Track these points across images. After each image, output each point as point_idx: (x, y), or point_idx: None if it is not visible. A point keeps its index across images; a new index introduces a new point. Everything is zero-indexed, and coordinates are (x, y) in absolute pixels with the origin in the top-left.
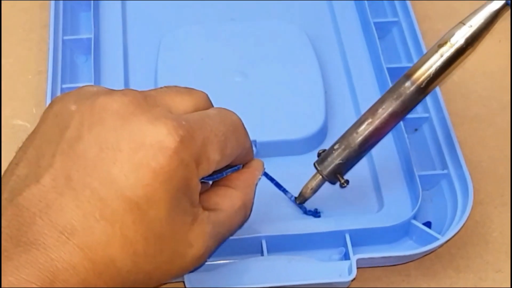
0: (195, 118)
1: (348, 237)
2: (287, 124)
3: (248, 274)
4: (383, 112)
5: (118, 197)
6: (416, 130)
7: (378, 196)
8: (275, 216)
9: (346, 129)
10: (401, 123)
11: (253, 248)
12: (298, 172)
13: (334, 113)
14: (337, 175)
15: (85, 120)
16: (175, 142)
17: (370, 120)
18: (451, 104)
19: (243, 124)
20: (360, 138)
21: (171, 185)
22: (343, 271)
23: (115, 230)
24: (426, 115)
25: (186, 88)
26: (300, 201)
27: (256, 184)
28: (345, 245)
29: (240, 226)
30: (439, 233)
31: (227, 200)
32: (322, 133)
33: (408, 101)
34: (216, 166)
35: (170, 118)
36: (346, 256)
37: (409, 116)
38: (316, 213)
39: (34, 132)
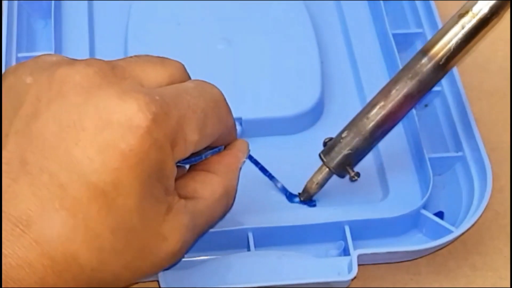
0: (170, 93)
1: (348, 229)
2: (277, 99)
3: (232, 272)
4: (397, 94)
5: (81, 183)
6: (426, 106)
7: (382, 182)
8: (263, 205)
9: (345, 104)
10: None
11: (238, 242)
12: (290, 154)
13: (332, 86)
14: (346, 167)
15: (43, 94)
16: (147, 120)
17: (382, 103)
18: (466, 76)
19: (225, 99)
20: (371, 124)
21: (142, 170)
22: (342, 268)
23: (77, 221)
24: (438, 88)
25: (160, 57)
26: (305, 197)
27: (240, 169)
28: (344, 239)
29: (222, 217)
30: (453, 225)
31: (206, 186)
32: (318, 109)
33: (425, 80)
34: (194, 148)
35: (141, 92)
36: (345, 252)
37: None
38: (310, 202)
39: None
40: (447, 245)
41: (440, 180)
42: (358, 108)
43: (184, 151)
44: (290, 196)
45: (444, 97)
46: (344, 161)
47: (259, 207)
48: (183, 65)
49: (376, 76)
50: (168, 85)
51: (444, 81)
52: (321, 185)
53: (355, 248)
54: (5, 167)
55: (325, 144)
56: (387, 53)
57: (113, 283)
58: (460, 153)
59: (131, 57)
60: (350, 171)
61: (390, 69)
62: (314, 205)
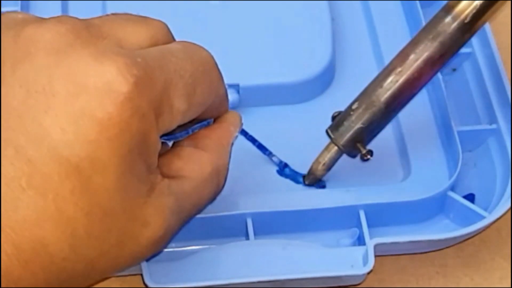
0: (154, 55)
1: (363, 214)
2: (280, 63)
3: (228, 264)
4: (416, 58)
5: (51, 158)
6: (454, 70)
7: (403, 159)
8: (264, 186)
9: (359, 69)
10: None
11: (235, 229)
12: (295, 127)
13: (344, 47)
14: (356, 144)
15: (8, 56)
16: (128, 84)
17: (399, 70)
18: (501, 36)
19: (216, 63)
20: (386, 94)
21: (122, 143)
22: (357, 260)
23: (47, 203)
24: (468, 50)
25: (141, 16)
26: (310, 181)
27: (232, 144)
28: (359, 226)
29: (211, 200)
30: (485, 210)
31: (193, 164)
32: (328, 74)
33: (449, 42)
34: (181, 119)
35: (121, 54)
36: (360, 241)
37: None
38: (320, 183)
39: None
40: (479, 233)
41: (470, 157)
42: (375, 73)
43: (170, 122)
44: (293, 176)
45: (475, 60)
46: (355, 137)
47: (259, 188)
48: (166, 25)
49: (395, 36)
50: (150, 47)
51: (474, 41)
52: (329, 166)
53: (371, 236)
54: None
55: (333, 118)
56: (409, 8)
57: (87, 274)
58: (494, 126)
59: (108, 15)
60: (362, 148)
61: (411, 27)
62: (324, 187)
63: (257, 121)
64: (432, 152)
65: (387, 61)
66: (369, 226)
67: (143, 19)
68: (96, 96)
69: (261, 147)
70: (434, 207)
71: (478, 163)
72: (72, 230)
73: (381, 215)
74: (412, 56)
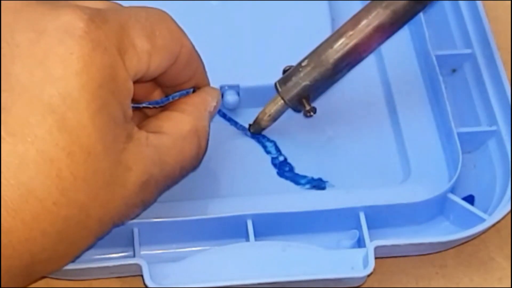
0: (108, 6)
1: (363, 216)
2: (279, 64)
3: (229, 266)
4: (368, 24)
5: (24, 101)
6: (454, 71)
7: (403, 161)
8: (264, 188)
9: (358, 68)
10: (434, 61)
11: (235, 231)
12: (294, 128)
13: None
14: (302, 100)
15: None
16: (83, 20)
17: (350, 33)
18: (501, 37)
19: (173, 19)
20: (336, 56)
21: (90, 77)
22: (357, 262)
23: (27, 146)
24: (468, 51)
25: None
26: (255, 129)
27: (211, 116)
28: (359, 227)
29: (194, 161)
30: (485, 212)
31: (172, 123)
32: None
33: (401, 11)
34: (148, 59)
35: (74, 4)
36: (360, 243)
37: (446, 52)
38: (320, 183)
39: None
40: (479, 235)
41: (470, 159)
42: (374, 73)
43: (138, 61)
44: (294, 177)
45: (475, 60)
46: (301, 93)
47: (259, 190)
48: None
49: (394, 36)
50: None
51: (475, 43)
52: (274, 118)
53: (371, 238)
54: None
55: (284, 72)
56: None
57: (83, 222)
58: (493, 127)
59: None
60: (306, 104)
61: (411, 27)
62: (324, 188)
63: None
64: (432, 153)
65: (387, 60)
66: (369, 228)
67: None
68: (55, 37)
69: (243, 128)
70: (434, 209)
71: (478, 165)
72: (57, 172)
73: (381, 217)
74: (364, 22)
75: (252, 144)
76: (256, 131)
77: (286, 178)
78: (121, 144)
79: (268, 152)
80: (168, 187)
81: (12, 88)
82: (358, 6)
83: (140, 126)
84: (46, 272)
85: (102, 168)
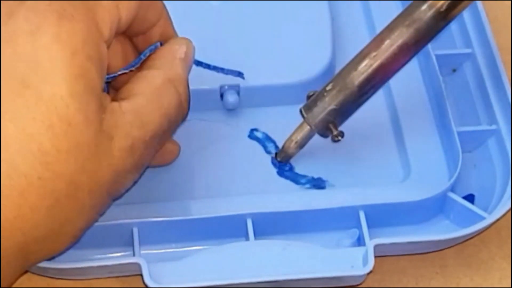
0: None
1: (363, 215)
2: (280, 64)
3: (229, 265)
4: (391, 44)
5: None
6: (454, 71)
7: (403, 160)
8: (264, 187)
9: None
10: (434, 61)
11: (235, 230)
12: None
13: (344, 48)
14: (329, 125)
15: None
16: None
17: (374, 54)
18: (501, 36)
19: None
20: (360, 78)
21: (60, 45)
22: (356, 261)
23: (5, 123)
24: (468, 50)
25: None
26: (282, 158)
27: (187, 64)
28: (359, 226)
29: (180, 108)
30: (485, 210)
31: (141, 82)
32: (327, 75)
33: (424, 29)
34: (117, 12)
35: None
36: (360, 241)
37: (446, 52)
38: (320, 183)
39: None
40: (479, 234)
41: (470, 158)
42: None
43: (109, 17)
44: (293, 177)
45: (475, 60)
46: (328, 118)
47: (259, 189)
48: None
49: None
50: None
51: (475, 42)
52: (301, 145)
53: (371, 237)
54: None
55: (308, 98)
56: None
57: (74, 195)
58: (493, 126)
59: None
60: (334, 129)
61: None
62: (324, 187)
63: (258, 121)
64: (432, 152)
65: None
66: (369, 226)
67: None
68: (20, 15)
69: (218, 68)
70: (434, 207)
71: (478, 164)
72: (38, 146)
73: (381, 216)
74: (387, 42)
75: (252, 144)
76: (283, 160)
77: (286, 177)
78: (96, 114)
79: (268, 152)
80: (161, 142)
81: None
82: (358, 6)
83: (113, 98)
84: (47, 253)
85: (85, 139)
